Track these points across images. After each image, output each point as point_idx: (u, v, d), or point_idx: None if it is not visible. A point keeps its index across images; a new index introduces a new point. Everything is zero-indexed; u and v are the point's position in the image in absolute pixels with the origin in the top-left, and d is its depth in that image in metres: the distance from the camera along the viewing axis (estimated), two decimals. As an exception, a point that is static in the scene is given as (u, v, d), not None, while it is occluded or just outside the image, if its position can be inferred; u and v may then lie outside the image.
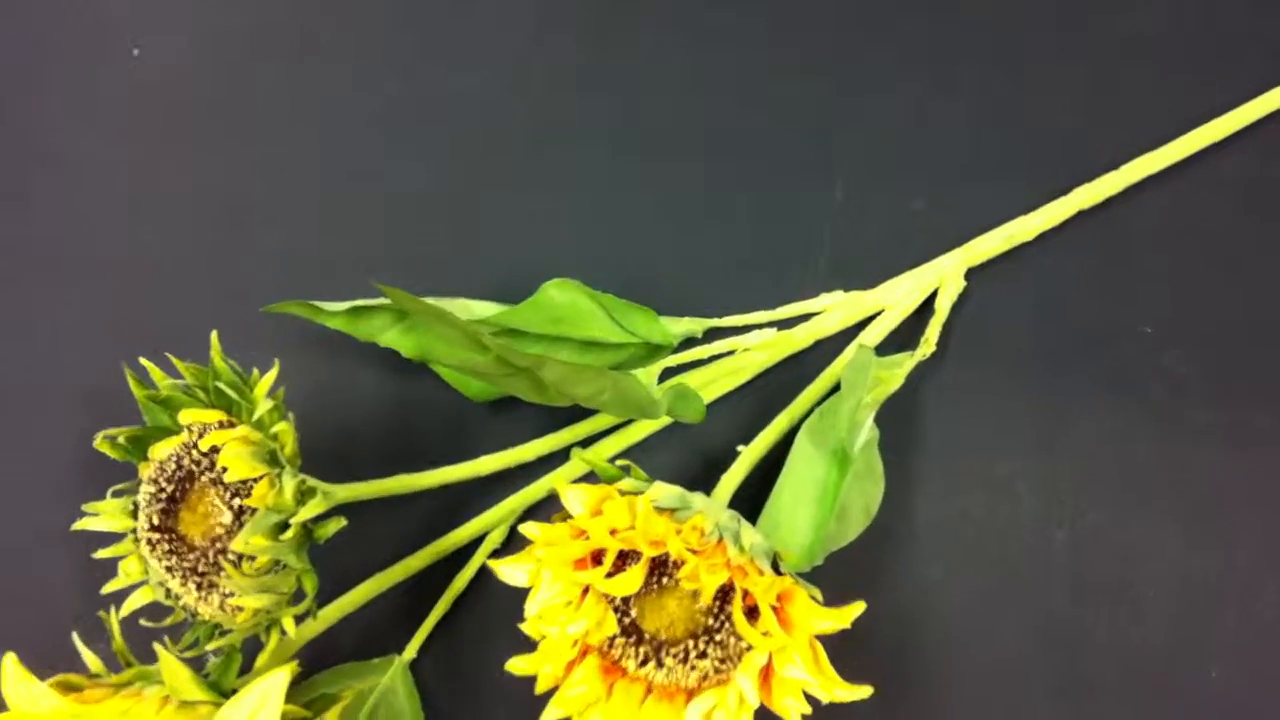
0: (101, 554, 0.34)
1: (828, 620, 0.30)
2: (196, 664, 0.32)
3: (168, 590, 0.33)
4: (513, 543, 0.39)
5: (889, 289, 0.41)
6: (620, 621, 0.32)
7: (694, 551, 0.30)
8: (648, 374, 0.39)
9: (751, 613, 0.31)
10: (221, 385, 0.32)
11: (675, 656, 0.31)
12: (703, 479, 0.40)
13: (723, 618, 0.31)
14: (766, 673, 0.31)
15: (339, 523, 0.32)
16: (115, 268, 0.44)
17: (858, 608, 0.30)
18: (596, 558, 0.32)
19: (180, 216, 0.44)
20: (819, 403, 0.39)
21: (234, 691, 0.30)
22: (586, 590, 0.31)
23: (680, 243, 0.43)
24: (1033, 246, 0.42)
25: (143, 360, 0.34)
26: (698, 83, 0.45)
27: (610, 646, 0.32)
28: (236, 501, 0.31)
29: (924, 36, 0.44)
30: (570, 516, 0.31)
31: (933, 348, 0.40)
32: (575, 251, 0.42)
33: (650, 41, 0.45)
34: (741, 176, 0.44)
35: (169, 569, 0.32)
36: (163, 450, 0.33)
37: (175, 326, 0.38)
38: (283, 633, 0.33)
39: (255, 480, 0.31)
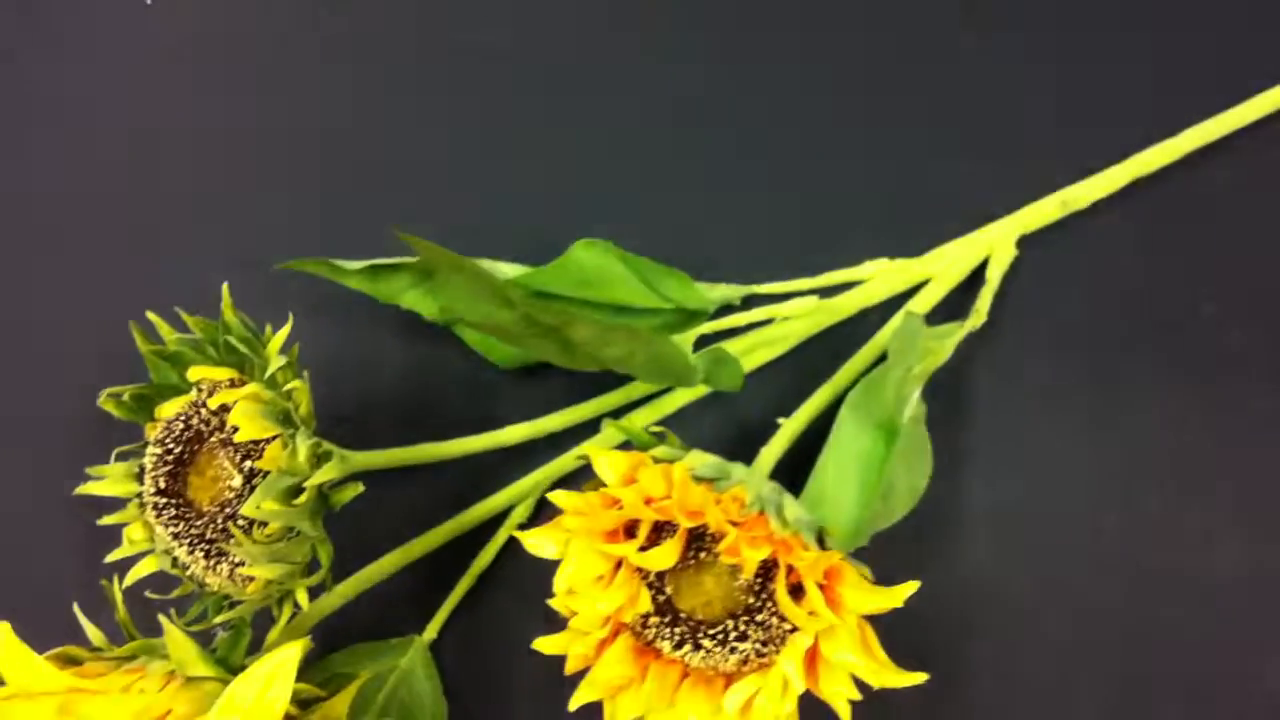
0: (106, 520, 0.32)
1: (880, 600, 0.28)
2: (204, 638, 0.30)
3: (174, 559, 0.31)
4: (539, 518, 0.37)
5: (937, 257, 0.39)
6: (654, 599, 0.30)
7: (734, 524, 0.28)
8: (682, 342, 0.37)
9: (795, 592, 0.29)
10: (232, 339, 0.30)
11: (714, 638, 0.29)
12: (738, 455, 0.38)
13: (764, 596, 0.29)
14: (812, 656, 0.29)
15: (356, 488, 0.31)
16: (122, 227, 0.42)
17: (911, 587, 0.28)
18: (629, 530, 0.30)
19: (191, 175, 0.43)
20: (862, 375, 0.37)
21: (243, 668, 0.28)
22: (619, 565, 0.29)
23: (716, 206, 0.41)
24: (1087, 215, 0.40)
25: (149, 314, 0.32)
26: (736, 45, 0.43)
27: (644, 626, 0.30)
28: (247, 464, 0.30)
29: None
30: (602, 485, 0.29)
31: (984, 318, 0.38)
32: (606, 214, 0.40)
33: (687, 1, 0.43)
34: (782, 139, 0.42)
35: (175, 536, 0.30)
36: (170, 409, 0.31)
37: (184, 288, 0.36)
38: (295, 606, 0.31)
39: (267, 441, 0.29)
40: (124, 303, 0.35)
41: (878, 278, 0.39)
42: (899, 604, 0.28)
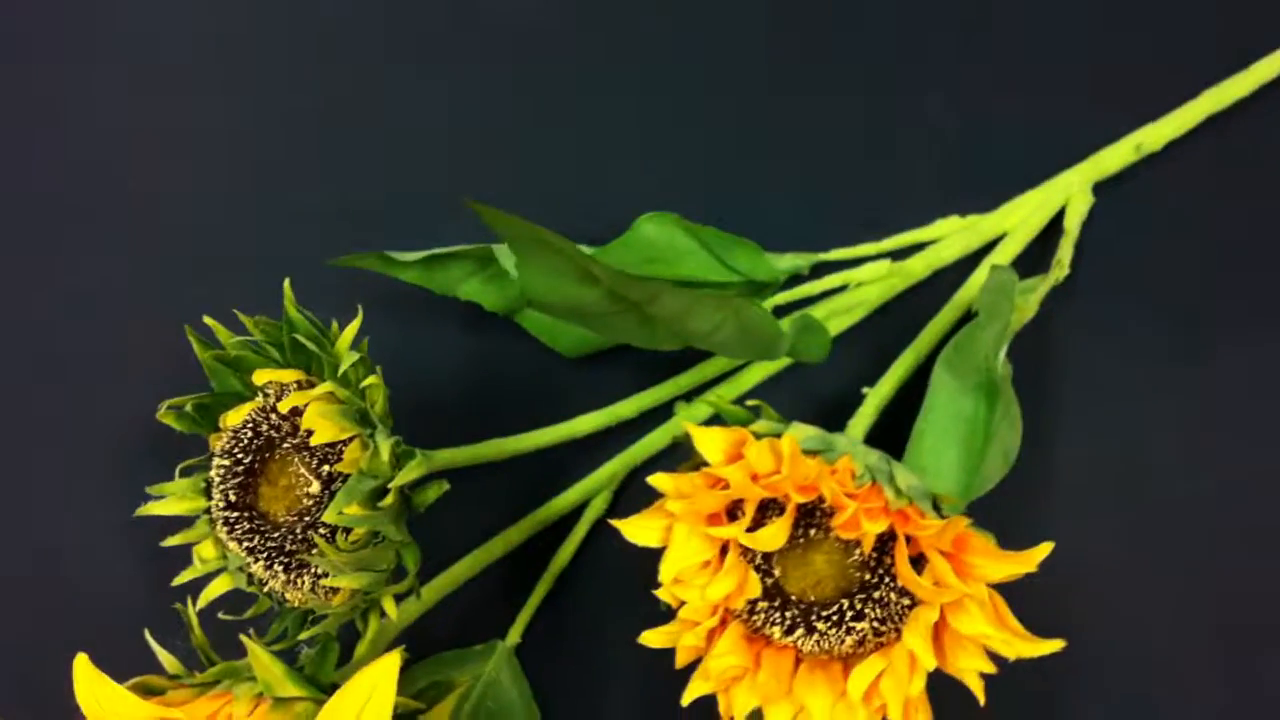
0: (171, 541, 0.31)
1: (1013, 566, 0.26)
2: (287, 657, 0.28)
3: (250, 576, 0.30)
4: (615, 509, 0.36)
5: (1009, 210, 0.37)
6: (762, 583, 0.28)
7: (850, 496, 0.26)
8: (757, 314, 0.35)
9: (914, 564, 0.27)
10: (299, 337, 0.28)
11: (828, 620, 0.28)
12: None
13: (880, 572, 0.27)
14: (938, 631, 0.27)
15: (441, 486, 0.29)
16: (166, 234, 0.40)
17: (1044, 549, 0.26)
18: (730, 512, 0.28)
19: (232, 174, 0.41)
20: (946, 338, 0.35)
21: (334, 686, 0.26)
22: (724, 549, 0.28)
23: (777, 173, 0.39)
24: (1163, 158, 0.38)
25: (206, 319, 0.30)
26: (794, 10, 0.41)
27: (751, 613, 0.28)
28: (325, 469, 0.28)
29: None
30: (699, 466, 0.28)
31: (1066, 269, 0.36)
32: (664, 188, 0.39)
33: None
34: (842, 100, 0.40)
35: (251, 551, 0.29)
36: (236, 417, 0.29)
37: (232, 294, 0.34)
38: (383, 615, 0.29)
39: (345, 443, 0.28)
40: (173, 312, 0.33)
41: (950, 237, 0.37)
42: (1033, 569, 0.26)
